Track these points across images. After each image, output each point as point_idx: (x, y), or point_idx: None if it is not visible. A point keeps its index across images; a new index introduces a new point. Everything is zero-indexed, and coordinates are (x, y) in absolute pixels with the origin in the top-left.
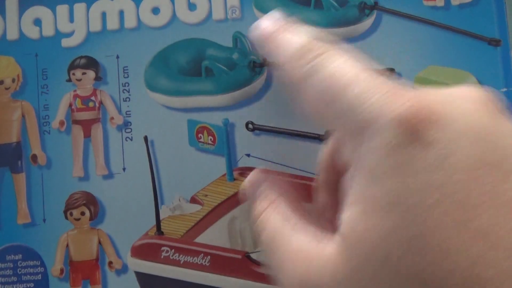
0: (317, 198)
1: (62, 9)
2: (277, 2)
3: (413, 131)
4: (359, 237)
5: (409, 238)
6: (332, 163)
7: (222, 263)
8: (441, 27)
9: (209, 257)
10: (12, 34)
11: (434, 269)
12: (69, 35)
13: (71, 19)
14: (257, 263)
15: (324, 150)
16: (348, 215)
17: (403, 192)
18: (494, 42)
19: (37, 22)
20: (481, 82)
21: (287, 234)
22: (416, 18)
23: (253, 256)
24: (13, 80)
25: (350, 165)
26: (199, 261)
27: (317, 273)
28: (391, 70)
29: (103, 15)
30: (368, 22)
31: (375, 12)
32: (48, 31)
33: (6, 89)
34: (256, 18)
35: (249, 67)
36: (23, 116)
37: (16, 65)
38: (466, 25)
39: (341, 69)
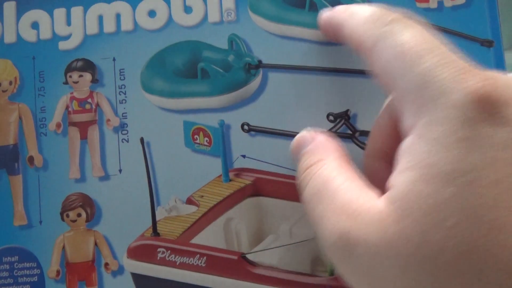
0: (364, 165)
1: (60, 13)
2: (272, 5)
3: (488, 108)
4: (415, 200)
5: (466, 209)
6: (385, 131)
7: (218, 264)
8: (434, 28)
9: (205, 258)
10: (9, 38)
11: (487, 241)
12: (66, 38)
13: (68, 23)
14: (253, 264)
15: (377, 121)
16: (403, 179)
17: (468, 164)
18: (487, 43)
19: (35, 25)
20: None
21: (334, 188)
22: None
23: (249, 257)
24: (10, 83)
25: (408, 134)
26: (195, 262)
27: (363, 228)
28: None
29: (100, 18)
30: None
31: None
32: (46, 34)
33: (3, 91)
34: (251, 21)
35: (244, 69)
36: (20, 118)
37: (14, 68)
38: (459, 26)
39: (415, 38)
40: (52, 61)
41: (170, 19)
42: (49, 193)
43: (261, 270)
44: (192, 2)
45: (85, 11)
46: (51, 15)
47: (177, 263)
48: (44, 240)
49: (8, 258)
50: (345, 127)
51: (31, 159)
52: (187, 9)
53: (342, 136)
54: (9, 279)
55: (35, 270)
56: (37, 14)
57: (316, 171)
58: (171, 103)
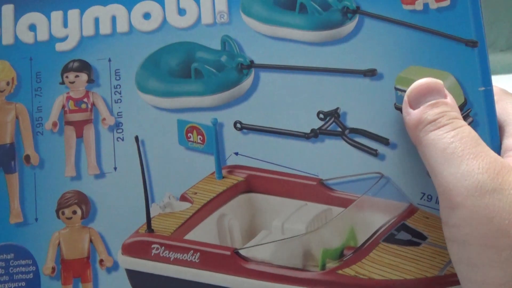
0: None
1: (57, 15)
2: (263, 7)
3: None
4: None
5: None
6: None
7: (211, 259)
8: (420, 29)
9: (198, 253)
10: (7, 39)
11: None
12: (63, 39)
13: (65, 25)
14: (246, 259)
15: None
16: None
17: None
18: (471, 44)
19: (32, 27)
20: (459, 81)
21: (483, 144)
22: (396, 21)
23: (242, 252)
24: (8, 83)
25: None
26: (189, 258)
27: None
28: (373, 70)
29: (96, 20)
30: (351, 25)
31: (357, 16)
32: (43, 36)
33: (1, 92)
34: (243, 23)
35: (237, 69)
36: (17, 118)
37: (11, 68)
38: (444, 28)
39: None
40: (49, 62)
41: (164, 21)
42: (45, 191)
43: (253, 265)
44: (186, 4)
45: (81, 14)
46: (48, 18)
47: (171, 259)
48: (40, 237)
49: (4, 255)
50: (335, 125)
51: (27, 157)
52: (181, 12)
53: (332, 134)
54: (4, 276)
55: (31, 267)
56: (35, 17)
57: (464, 124)
58: (166, 103)
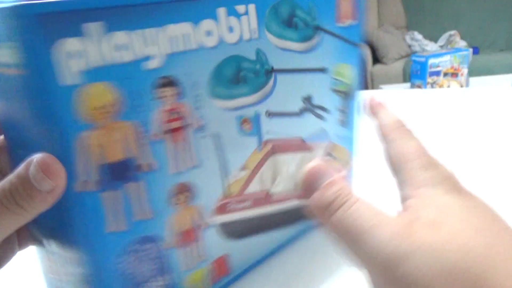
0: None
1: (140, 34)
2: (278, 26)
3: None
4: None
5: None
6: None
7: (256, 200)
8: (342, 39)
9: (250, 201)
10: (97, 61)
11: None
12: (147, 58)
13: (146, 44)
14: (272, 195)
15: None
16: None
17: None
18: (357, 45)
19: (119, 47)
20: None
21: (378, 210)
22: (335, 35)
23: (270, 192)
24: (111, 105)
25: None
26: (246, 205)
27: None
28: (325, 68)
29: (173, 39)
30: (316, 40)
31: (320, 33)
32: (129, 56)
33: (107, 112)
34: (267, 38)
35: (266, 74)
36: (124, 134)
37: (111, 89)
38: (351, 37)
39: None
40: (141, 80)
41: (220, 38)
42: (158, 189)
43: (275, 197)
44: (232, 23)
45: (158, 33)
46: (132, 37)
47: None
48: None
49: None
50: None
51: (140, 166)
52: (230, 29)
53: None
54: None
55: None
56: (121, 36)
57: (357, 200)
58: (228, 104)
